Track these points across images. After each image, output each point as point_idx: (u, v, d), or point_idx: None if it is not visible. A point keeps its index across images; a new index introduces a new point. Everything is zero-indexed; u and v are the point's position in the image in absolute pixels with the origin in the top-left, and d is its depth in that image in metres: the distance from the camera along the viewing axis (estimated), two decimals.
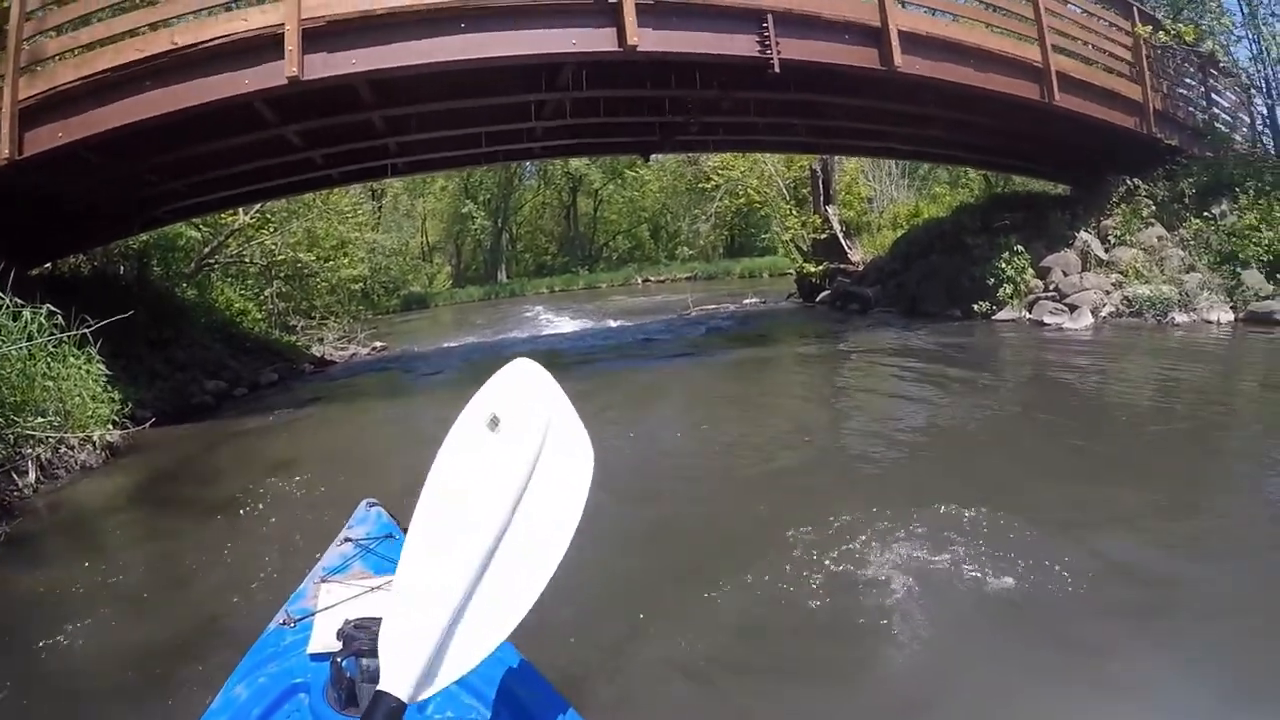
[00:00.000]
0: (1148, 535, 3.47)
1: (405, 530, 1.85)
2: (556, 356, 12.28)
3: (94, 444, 6.37)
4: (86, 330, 6.39)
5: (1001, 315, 11.21)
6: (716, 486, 4.71)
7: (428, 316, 32.01)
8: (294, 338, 15.04)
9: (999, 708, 2.35)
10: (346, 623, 1.41)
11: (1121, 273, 10.72)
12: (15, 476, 5.49)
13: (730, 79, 8.88)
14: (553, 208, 51.24)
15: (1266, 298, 9.39)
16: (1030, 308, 11.02)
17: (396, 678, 1.26)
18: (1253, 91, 12.14)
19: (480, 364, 12.55)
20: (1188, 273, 10.24)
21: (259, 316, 14.53)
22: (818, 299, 17.71)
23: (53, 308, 6.31)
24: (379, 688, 1.28)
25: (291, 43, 6.40)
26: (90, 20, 6.96)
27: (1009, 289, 11.38)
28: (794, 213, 19.40)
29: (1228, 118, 12.50)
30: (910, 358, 9.02)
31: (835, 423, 6.66)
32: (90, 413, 6.44)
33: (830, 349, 10.56)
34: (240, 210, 13.53)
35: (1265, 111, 12.08)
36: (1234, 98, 12.55)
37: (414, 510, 1.37)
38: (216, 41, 6.46)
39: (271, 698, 1.50)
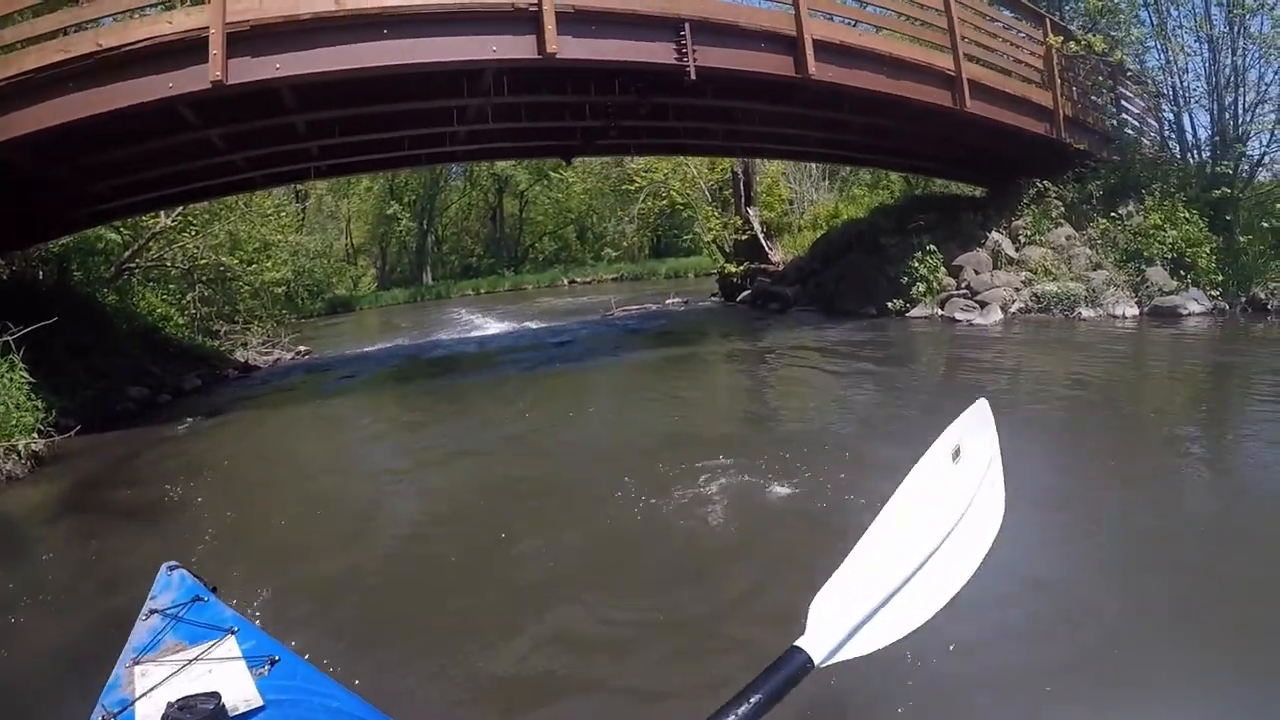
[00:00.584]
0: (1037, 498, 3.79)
1: (213, 590, 2.08)
2: (483, 360, 12.42)
3: (19, 453, 6.33)
4: (9, 338, 6.36)
5: (915, 312, 11.66)
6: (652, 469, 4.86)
7: (352, 320, 31.61)
8: (217, 343, 14.78)
9: None
10: (170, 706, 1.36)
11: (1031, 271, 11.21)
12: None
13: (649, 85, 9.08)
14: (479, 209, 50.74)
15: (1170, 293, 9.94)
16: (942, 305, 11.46)
17: (816, 642, 1.46)
18: (1161, 99, 12.61)
19: (400, 368, 12.63)
20: (1095, 270, 10.75)
21: (181, 322, 14.26)
22: (739, 299, 18.09)
23: None
24: (795, 644, 1.45)
25: (216, 46, 6.40)
26: (13, 20, 6.86)
27: (922, 287, 11.84)
28: (715, 214, 19.76)
29: (1136, 124, 13.08)
30: (822, 352, 9.43)
31: (739, 410, 6.99)
32: (14, 422, 6.39)
33: (746, 346, 10.91)
34: (161, 213, 13.28)
35: (1172, 118, 12.56)
36: (1143, 104, 13.07)
37: (886, 501, 1.63)
38: (141, 44, 6.43)
39: None
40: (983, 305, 10.94)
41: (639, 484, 4.30)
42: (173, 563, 2.25)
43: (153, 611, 1.95)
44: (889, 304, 12.08)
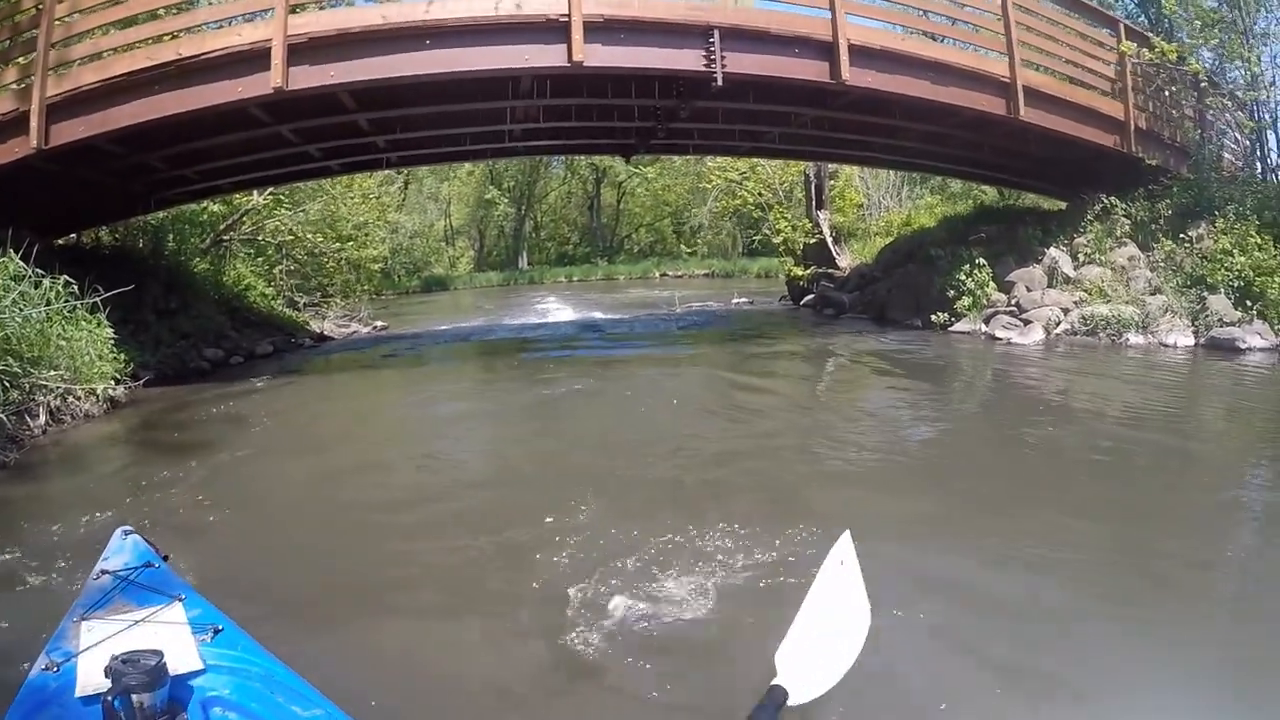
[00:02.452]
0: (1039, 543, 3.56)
1: (165, 558, 2.19)
2: (531, 344, 13.24)
3: (97, 396, 7.35)
4: (97, 300, 7.40)
5: (958, 327, 11.42)
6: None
7: (444, 299, 32.72)
8: (298, 313, 15.71)
9: None
10: (114, 659, 1.39)
11: (1086, 291, 10.67)
12: (28, 418, 6.42)
13: (687, 89, 9.45)
14: (577, 197, 51.71)
15: (1231, 324, 9.20)
16: (987, 321, 11.10)
17: (788, 680, 2.07)
18: (1243, 112, 12.00)
19: (454, 348, 13.54)
20: (1153, 295, 10.09)
21: (268, 292, 15.15)
22: (802, 302, 18.35)
23: (69, 278, 7.28)
24: (774, 682, 2.04)
25: (278, 56, 7.35)
26: (109, 30, 7.94)
27: (967, 301, 11.53)
28: (785, 216, 19.86)
29: (1218, 139, 12.22)
30: (850, 360, 9.76)
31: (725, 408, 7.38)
32: (96, 370, 7.38)
33: (776, 348, 11.36)
34: (255, 191, 14.23)
35: (1255, 135, 11.99)
36: (1226, 118, 12.34)
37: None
38: (215, 53, 7.47)
39: None
40: (1026, 324, 10.56)
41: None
42: (127, 527, 2.34)
43: (104, 572, 2.02)
44: (932, 317, 11.88)
